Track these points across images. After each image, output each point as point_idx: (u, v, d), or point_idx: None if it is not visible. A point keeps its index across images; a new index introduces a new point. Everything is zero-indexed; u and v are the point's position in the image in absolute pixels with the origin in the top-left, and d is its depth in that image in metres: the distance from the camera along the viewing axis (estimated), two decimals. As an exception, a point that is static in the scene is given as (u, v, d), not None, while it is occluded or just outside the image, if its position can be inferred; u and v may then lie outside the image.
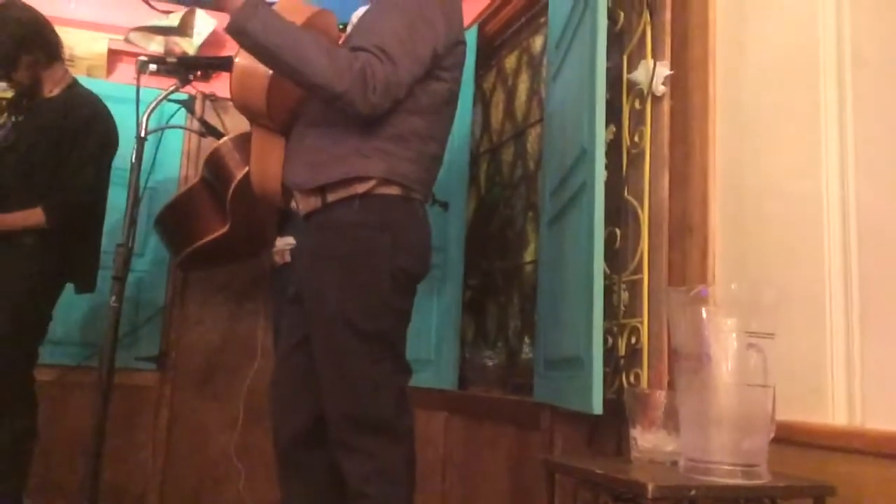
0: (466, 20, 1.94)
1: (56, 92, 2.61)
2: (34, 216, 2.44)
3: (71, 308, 2.83)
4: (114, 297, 1.87)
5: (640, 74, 1.69)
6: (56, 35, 2.62)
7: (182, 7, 3.52)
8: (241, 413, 3.37)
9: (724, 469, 1.03)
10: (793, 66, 1.32)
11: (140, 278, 3.37)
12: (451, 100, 1.70)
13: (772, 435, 1.08)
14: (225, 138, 2.81)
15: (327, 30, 1.85)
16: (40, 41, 2.55)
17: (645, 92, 1.66)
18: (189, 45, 3.46)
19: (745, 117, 1.43)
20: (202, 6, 3.52)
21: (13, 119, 2.60)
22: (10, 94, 2.69)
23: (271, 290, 3.44)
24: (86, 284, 2.60)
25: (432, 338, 2.69)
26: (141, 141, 2.02)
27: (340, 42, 1.83)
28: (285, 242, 3.03)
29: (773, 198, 1.34)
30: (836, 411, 1.18)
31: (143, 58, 2.30)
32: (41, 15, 2.59)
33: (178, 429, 3.37)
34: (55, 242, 2.47)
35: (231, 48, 3.48)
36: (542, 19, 2.57)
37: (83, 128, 2.53)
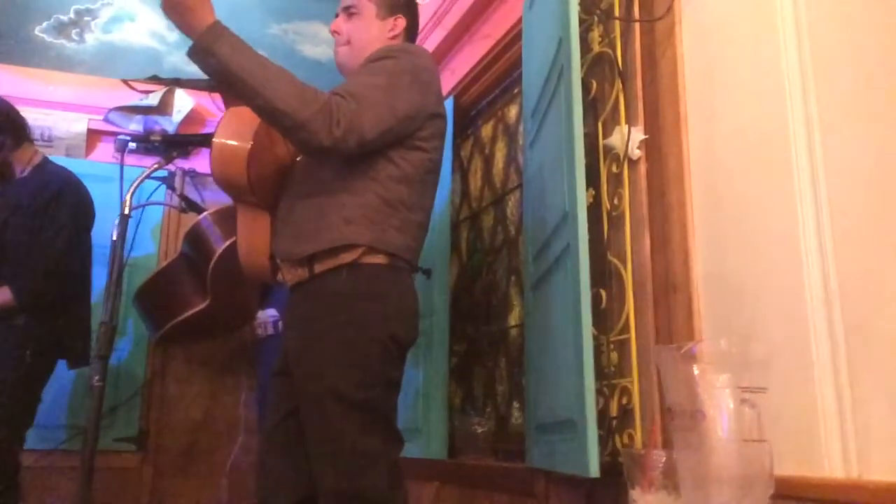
0: (443, 92, 2.00)
1: (27, 172, 2.62)
2: (2, 295, 2.40)
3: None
4: (97, 377, 1.83)
5: (615, 140, 1.74)
6: (21, 118, 2.65)
7: (161, 87, 3.58)
8: (226, 492, 3.28)
9: (727, 528, 1.02)
10: (763, 129, 1.37)
11: (119, 356, 3.33)
12: (434, 169, 1.73)
13: (771, 491, 1.07)
14: (205, 213, 2.83)
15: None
16: (7, 126, 2.57)
17: (621, 156, 1.71)
18: (168, 123, 3.51)
19: (721, 177, 1.47)
20: (181, 86, 3.58)
21: None
22: None
23: (255, 363, 3.41)
24: (79, 359, 2.56)
25: (419, 406, 2.66)
26: (125, 218, 2.02)
27: None
28: (267, 315, 3.03)
29: (753, 254, 1.37)
30: (831, 464, 1.18)
31: (123, 136, 2.32)
32: (5, 100, 2.62)
33: (160, 512, 3.27)
34: (45, 318, 2.44)
35: (212, 126, 3.55)
36: (516, 90, 2.65)
37: (54, 201, 2.54)
